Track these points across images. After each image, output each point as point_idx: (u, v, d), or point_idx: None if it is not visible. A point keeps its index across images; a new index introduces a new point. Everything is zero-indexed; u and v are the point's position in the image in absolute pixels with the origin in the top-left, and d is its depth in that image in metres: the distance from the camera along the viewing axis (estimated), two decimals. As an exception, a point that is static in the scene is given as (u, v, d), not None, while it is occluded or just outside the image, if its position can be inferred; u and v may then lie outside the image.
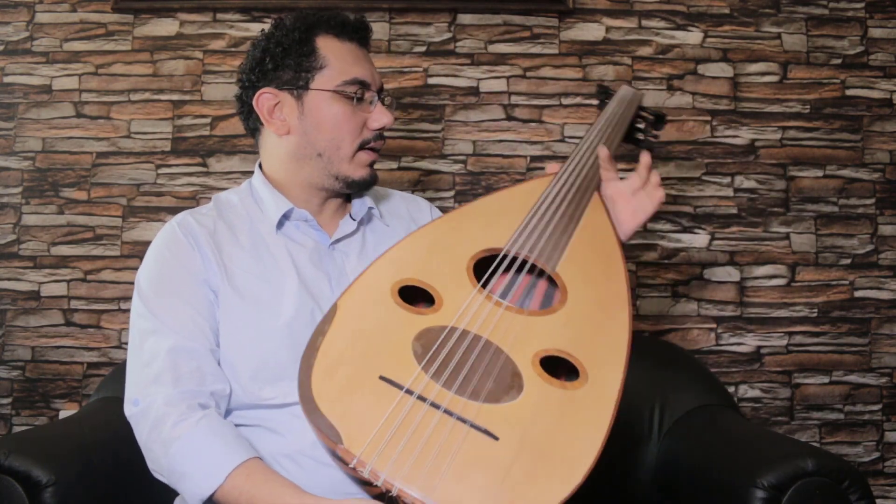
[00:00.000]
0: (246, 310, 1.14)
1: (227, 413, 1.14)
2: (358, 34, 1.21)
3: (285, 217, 1.21)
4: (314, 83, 1.18)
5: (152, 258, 1.19)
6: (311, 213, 1.22)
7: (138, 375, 1.11)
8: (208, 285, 1.15)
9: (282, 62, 1.19)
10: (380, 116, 1.20)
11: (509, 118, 1.87)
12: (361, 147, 1.20)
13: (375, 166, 1.25)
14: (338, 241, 1.23)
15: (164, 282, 1.15)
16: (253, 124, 1.24)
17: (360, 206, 1.27)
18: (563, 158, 1.87)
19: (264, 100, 1.21)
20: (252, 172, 1.81)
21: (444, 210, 1.83)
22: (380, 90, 1.22)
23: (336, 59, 1.18)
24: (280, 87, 1.19)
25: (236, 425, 1.14)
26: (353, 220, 1.25)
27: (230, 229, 1.20)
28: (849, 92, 1.89)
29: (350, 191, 1.24)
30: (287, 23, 1.21)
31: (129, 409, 1.10)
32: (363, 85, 1.19)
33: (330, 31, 1.19)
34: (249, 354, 1.14)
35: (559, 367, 0.96)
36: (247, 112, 1.23)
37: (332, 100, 1.18)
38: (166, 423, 1.05)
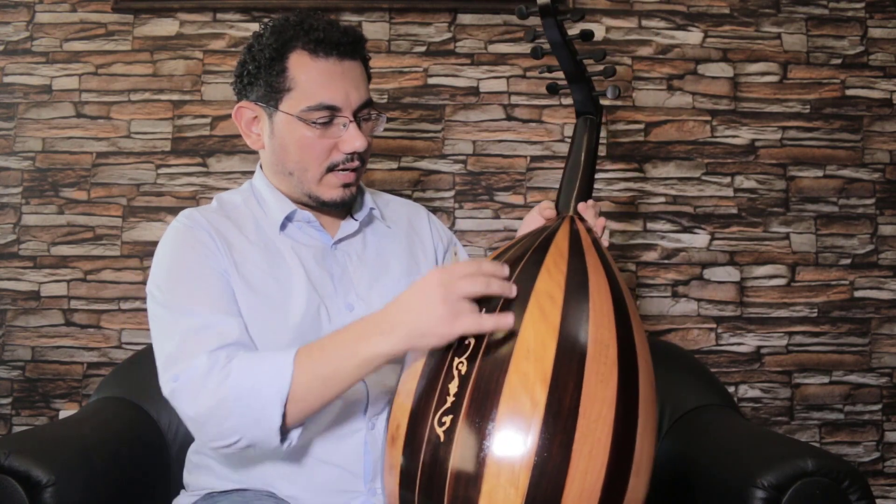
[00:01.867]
0: (257, 304, 1.13)
1: None
2: (338, 49, 1.13)
3: (288, 219, 1.21)
4: (282, 105, 1.14)
5: (167, 250, 1.15)
6: (312, 215, 1.22)
7: (174, 355, 1.05)
8: (226, 274, 1.13)
9: (255, 79, 1.16)
10: (351, 140, 1.14)
11: (509, 118, 1.87)
12: (331, 169, 1.16)
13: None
14: (340, 240, 1.23)
15: (182, 269, 1.12)
16: None
17: (361, 207, 1.27)
18: (562, 158, 1.87)
19: (241, 113, 1.19)
20: (253, 172, 1.82)
21: (443, 211, 1.83)
22: (363, 106, 1.16)
23: (305, 80, 1.12)
24: (256, 101, 1.17)
25: None
26: (356, 220, 1.25)
27: (237, 227, 1.19)
28: (849, 92, 1.89)
29: (327, 208, 1.21)
30: (265, 36, 1.16)
31: (168, 388, 1.04)
32: (331, 109, 1.13)
33: (304, 48, 1.13)
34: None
35: None
36: None
37: (297, 124, 1.13)
38: (214, 372, 1.00)
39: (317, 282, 1.18)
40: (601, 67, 1.20)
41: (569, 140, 1.86)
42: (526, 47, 1.87)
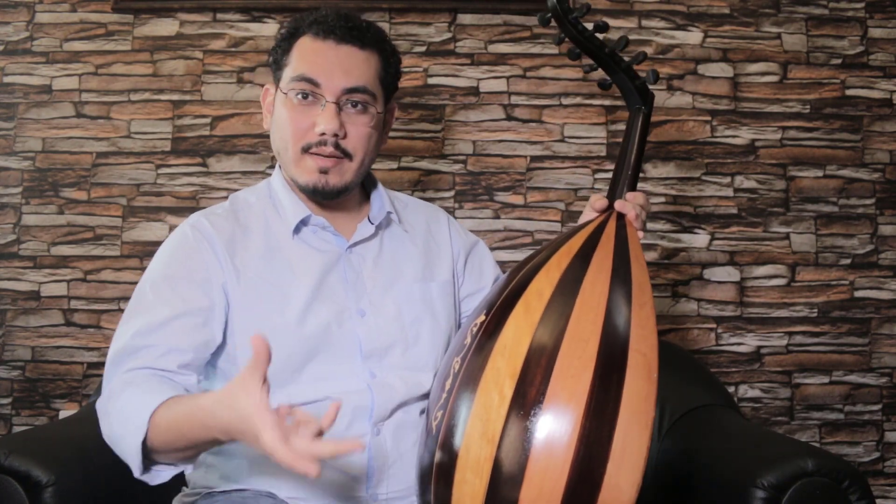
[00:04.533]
0: (258, 315, 1.14)
1: None
2: (334, 32, 1.15)
3: (303, 222, 1.20)
4: (280, 82, 1.19)
5: (163, 255, 1.17)
6: (326, 219, 1.21)
7: (105, 372, 1.09)
8: (223, 289, 1.14)
9: (273, 61, 1.21)
10: (321, 120, 1.14)
11: (509, 118, 1.87)
12: (306, 150, 1.15)
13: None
14: (355, 244, 1.23)
15: (162, 280, 1.14)
16: None
17: (378, 210, 1.26)
18: (562, 158, 1.87)
19: (265, 95, 1.24)
20: (253, 173, 1.83)
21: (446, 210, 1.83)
22: (351, 91, 1.15)
23: (297, 57, 1.17)
24: (274, 84, 1.22)
25: None
26: (372, 223, 1.25)
27: (245, 232, 1.19)
28: (849, 92, 1.89)
29: (311, 197, 1.20)
30: (286, 23, 1.22)
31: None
32: (309, 81, 1.14)
33: (309, 31, 1.17)
34: None
35: None
36: None
37: (284, 99, 1.17)
38: (110, 401, 1.03)
39: (327, 288, 1.18)
40: (631, 57, 1.22)
41: (569, 140, 1.87)
42: (526, 47, 1.87)
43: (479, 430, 0.92)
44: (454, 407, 0.95)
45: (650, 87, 1.22)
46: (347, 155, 1.17)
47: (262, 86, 1.26)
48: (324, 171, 1.16)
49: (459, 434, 0.93)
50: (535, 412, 0.90)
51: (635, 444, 0.92)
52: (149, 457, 0.99)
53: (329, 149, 1.15)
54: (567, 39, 1.19)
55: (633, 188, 1.18)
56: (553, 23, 1.17)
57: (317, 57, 1.15)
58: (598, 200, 1.18)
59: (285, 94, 1.16)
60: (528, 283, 1.01)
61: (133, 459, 0.99)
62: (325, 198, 1.19)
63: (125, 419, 0.99)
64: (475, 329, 1.01)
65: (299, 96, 1.15)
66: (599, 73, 1.25)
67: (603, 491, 0.89)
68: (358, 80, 1.16)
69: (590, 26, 1.17)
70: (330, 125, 1.13)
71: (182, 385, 1.06)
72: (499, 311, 1.00)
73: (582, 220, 1.21)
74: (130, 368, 1.05)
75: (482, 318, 1.02)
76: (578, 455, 0.89)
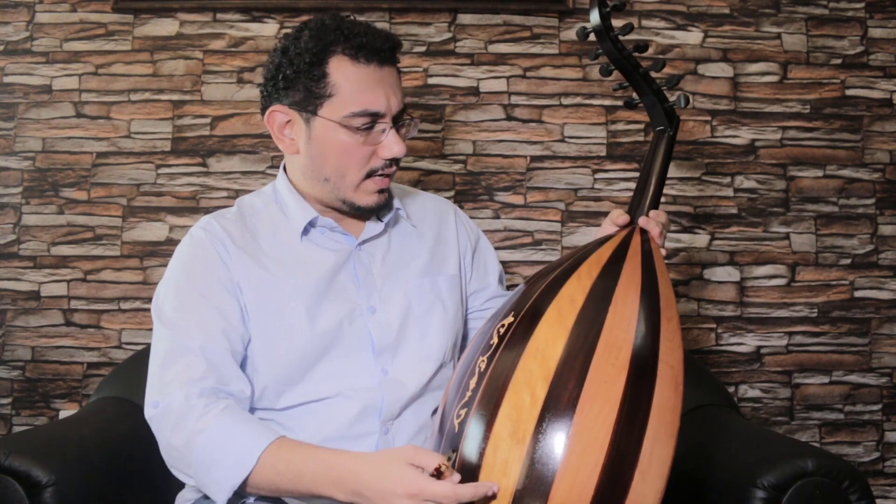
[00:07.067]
0: (270, 317, 1.15)
1: (251, 411, 1.15)
2: (378, 55, 1.12)
3: (310, 224, 1.20)
4: (322, 110, 1.13)
5: (179, 262, 1.18)
6: (334, 220, 1.21)
7: (157, 378, 1.10)
8: (239, 289, 1.15)
9: (292, 83, 1.14)
10: (390, 146, 1.14)
11: (509, 118, 1.87)
12: (369, 175, 1.16)
13: (399, 168, 1.22)
14: (365, 241, 1.23)
15: (188, 285, 1.15)
16: None
17: (389, 208, 1.26)
18: (562, 158, 1.87)
19: (274, 117, 1.17)
20: (253, 172, 1.83)
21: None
22: (401, 113, 1.16)
23: (347, 85, 1.11)
24: (291, 105, 1.15)
25: None
26: (381, 221, 1.25)
27: (254, 236, 1.20)
28: (849, 92, 1.89)
29: (359, 213, 1.21)
30: (303, 40, 1.13)
31: (148, 412, 1.09)
32: (374, 115, 1.12)
33: (345, 53, 1.12)
34: (274, 360, 1.14)
35: None
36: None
37: (338, 130, 1.12)
38: (189, 419, 1.04)
39: (338, 286, 1.18)
40: (665, 78, 1.23)
41: (569, 140, 1.87)
42: (526, 47, 1.87)
43: (508, 429, 0.92)
44: (480, 406, 0.95)
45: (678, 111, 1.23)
46: (398, 168, 1.20)
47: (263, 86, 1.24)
48: (382, 191, 1.18)
49: (485, 433, 0.93)
50: (568, 414, 0.90)
51: (662, 452, 0.93)
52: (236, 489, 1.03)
53: (393, 169, 1.17)
54: (602, 55, 1.20)
55: (655, 207, 1.20)
56: (591, 38, 1.18)
57: (373, 86, 1.12)
58: (620, 216, 1.18)
59: (347, 127, 1.12)
60: (558, 288, 1.02)
61: (221, 486, 1.02)
62: (379, 212, 1.22)
63: (223, 448, 1.01)
64: (503, 330, 1.01)
65: (364, 129, 1.13)
66: (619, 88, 1.27)
67: (630, 496, 0.89)
68: (402, 99, 1.17)
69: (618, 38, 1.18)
70: (400, 150, 1.15)
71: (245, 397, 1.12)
72: (529, 313, 1.00)
73: (602, 232, 1.21)
74: (202, 388, 1.07)
75: (510, 319, 1.02)
76: (609, 459, 0.89)
